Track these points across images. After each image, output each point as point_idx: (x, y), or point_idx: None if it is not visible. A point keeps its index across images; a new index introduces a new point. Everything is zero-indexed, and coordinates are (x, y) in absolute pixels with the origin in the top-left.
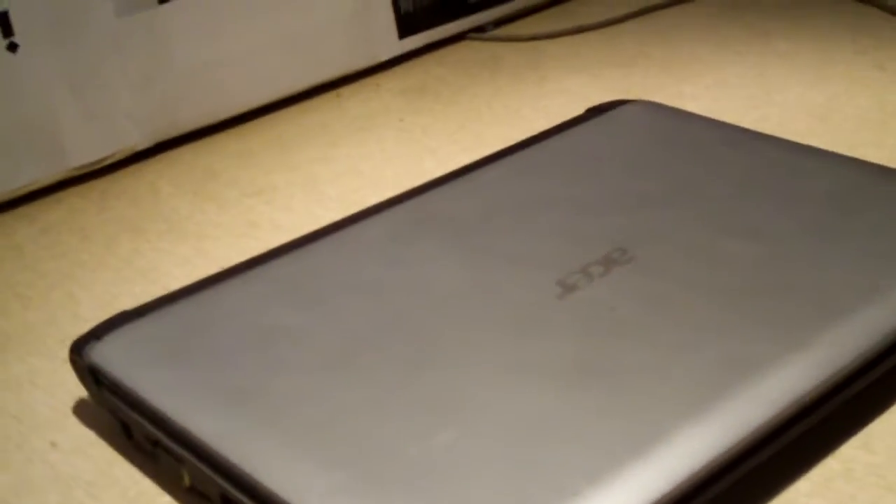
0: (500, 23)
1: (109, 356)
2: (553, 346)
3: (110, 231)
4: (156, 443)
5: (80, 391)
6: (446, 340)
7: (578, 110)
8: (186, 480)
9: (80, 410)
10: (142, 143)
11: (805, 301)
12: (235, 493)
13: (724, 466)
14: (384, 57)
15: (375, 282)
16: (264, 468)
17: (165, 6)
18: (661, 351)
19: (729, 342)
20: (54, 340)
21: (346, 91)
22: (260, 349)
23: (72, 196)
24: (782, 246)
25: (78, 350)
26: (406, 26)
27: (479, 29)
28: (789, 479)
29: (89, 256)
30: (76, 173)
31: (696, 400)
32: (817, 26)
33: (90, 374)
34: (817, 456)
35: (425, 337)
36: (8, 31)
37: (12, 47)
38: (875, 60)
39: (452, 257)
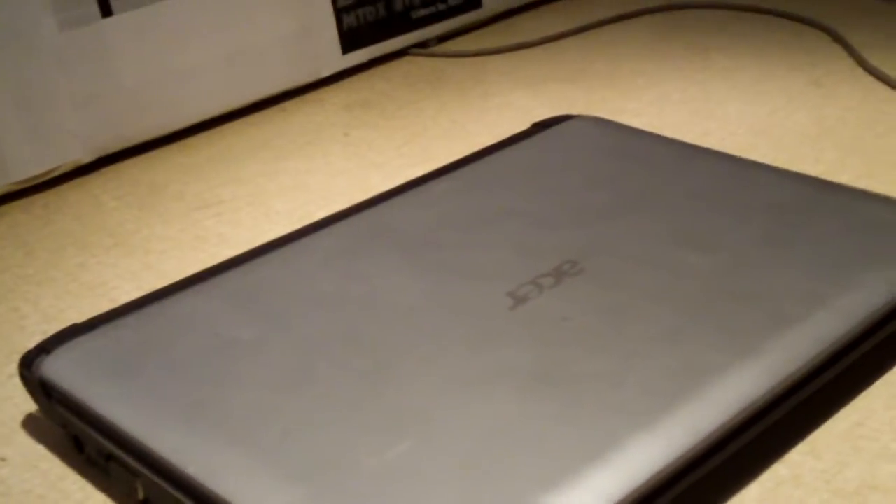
0: (442, 39)
1: (60, 370)
2: (506, 357)
3: (55, 245)
4: (108, 456)
5: (29, 406)
6: (400, 353)
7: (523, 125)
8: (140, 494)
9: (30, 425)
10: (85, 157)
11: (754, 309)
12: None
13: (678, 472)
14: (328, 72)
15: (328, 294)
16: (221, 480)
17: (109, 20)
18: (613, 359)
19: (680, 350)
20: (1, 355)
21: (290, 106)
22: (214, 362)
23: (14, 210)
24: (730, 257)
25: (27, 364)
26: (349, 42)
27: (422, 45)
28: (740, 485)
29: (34, 271)
30: (18, 187)
31: (650, 407)
32: (756, 43)
33: (40, 388)
34: (766, 462)
35: (379, 349)
36: None
37: None
38: (811, 77)
39: (404, 270)
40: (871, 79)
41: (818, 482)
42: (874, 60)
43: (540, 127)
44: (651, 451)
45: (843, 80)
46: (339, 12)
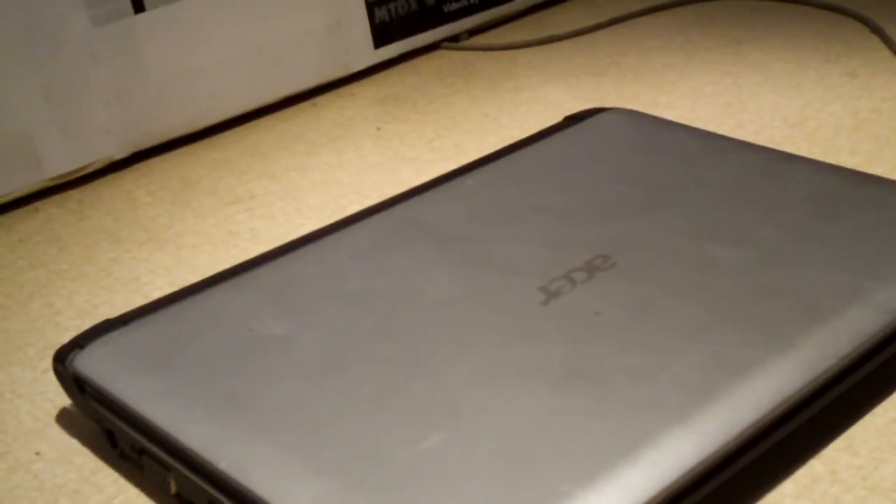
0: (473, 32)
1: (93, 365)
2: (538, 351)
3: (88, 241)
4: (141, 450)
5: (63, 400)
6: (432, 347)
7: (554, 118)
8: (173, 488)
9: (64, 420)
10: (118, 153)
11: (788, 304)
12: (223, 500)
13: (711, 469)
14: (359, 66)
15: (360, 289)
16: (253, 475)
17: (141, 16)
18: (646, 354)
19: (714, 345)
20: (35, 350)
21: (322, 100)
22: (246, 356)
23: (49, 206)
24: (765, 251)
25: (61, 359)
26: (381, 36)
27: (454, 38)
28: (775, 481)
29: (68, 266)
30: (52, 183)
31: (683, 403)
32: (788, 34)
33: (74, 383)
34: (802, 458)
35: (411, 343)
36: None
37: None
38: (846, 68)
39: (436, 264)
40: None
41: (855, 478)
42: None
43: (572, 120)
44: (684, 448)
45: (879, 71)
46: (370, 6)
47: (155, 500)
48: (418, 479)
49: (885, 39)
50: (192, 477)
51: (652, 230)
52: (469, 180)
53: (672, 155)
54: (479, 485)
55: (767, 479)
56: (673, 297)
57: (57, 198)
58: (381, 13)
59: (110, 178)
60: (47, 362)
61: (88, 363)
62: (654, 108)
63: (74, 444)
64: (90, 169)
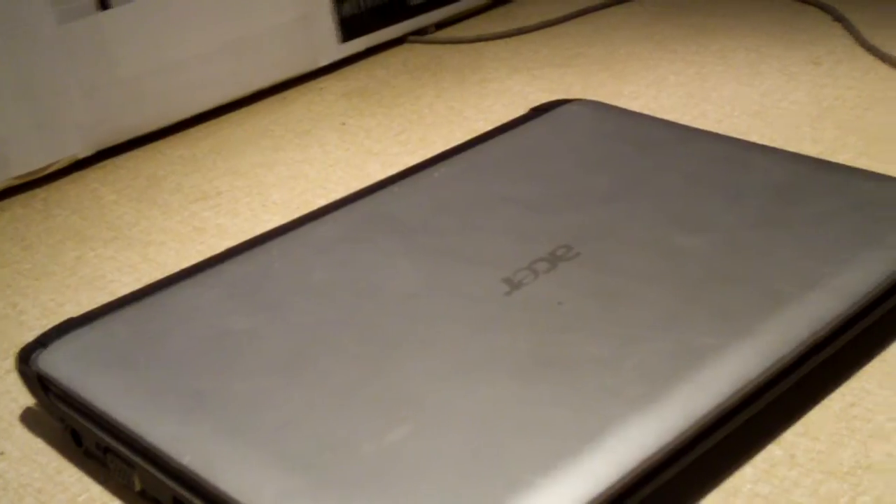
0: (440, 25)
1: (57, 363)
2: (502, 341)
3: (53, 239)
4: (106, 449)
5: (27, 400)
6: (398, 339)
7: (521, 110)
8: (137, 485)
9: (28, 419)
10: (85, 151)
11: (750, 291)
12: (188, 497)
13: (672, 454)
14: (326, 61)
15: (326, 283)
16: (217, 470)
17: (107, 13)
18: (608, 343)
19: (675, 333)
20: None
21: (288, 95)
22: (211, 353)
23: (13, 205)
24: (728, 238)
25: (25, 358)
26: (347, 30)
27: (420, 32)
28: (735, 466)
29: (32, 265)
30: (17, 182)
31: (645, 390)
32: (751, 23)
33: (38, 382)
34: (761, 443)
35: (377, 337)
36: None
37: None
38: (810, 56)
39: (402, 257)
40: (871, 57)
41: (812, 462)
42: (874, 39)
43: (537, 112)
44: (646, 434)
45: (843, 59)
46: (337, 0)
47: (120, 498)
48: (384, 472)
49: (849, 27)
50: (157, 474)
51: (615, 220)
52: (435, 173)
53: (636, 145)
54: (444, 476)
55: (727, 464)
56: (636, 285)
57: (22, 197)
58: (347, 7)
59: (76, 176)
60: (11, 362)
61: (52, 362)
62: (619, 99)
63: (39, 443)
64: (56, 167)
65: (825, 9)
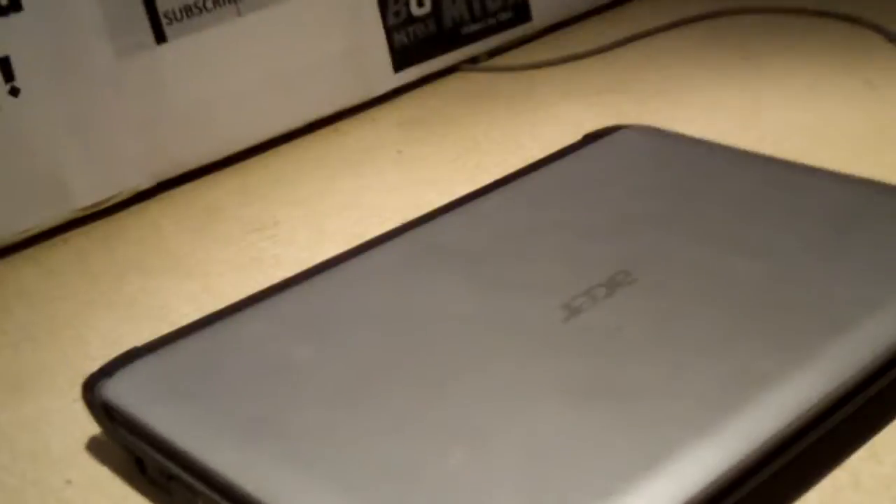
0: (492, 53)
1: (122, 392)
2: (561, 368)
3: (116, 271)
4: (170, 476)
5: (93, 428)
6: (456, 367)
7: (574, 137)
8: None
9: (94, 447)
10: (144, 183)
11: (809, 316)
12: None
13: (734, 480)
14: (380, 91)
15: (384, 311)
16: (281, 497)
17: (164, 46)
18: (668, 369)
19: (735, 358)
20: (65, 379)
21: (343, 125)
22: (273, 381)
23: (77, 237)
24: (785, 263)
25: (90, 387)
26: (401, 59)
27: (473, 60)
28: (799, 492)
29: (97, 296)
30: (80, 214)
31: (705, 415)
32: (805, 46)
33: (103, 411)
34: (826, 468)
35: (435, 364)
36: (9, 76)
37: (14, 92)
38: (864, 78)
39: (458, 285)
40: None
41: (879, 487)
42: None
43: (591, 138)
44: (707, 460)
45: None
46: (389, 30)
47: None
48: (446, 497)
49: None
50: (221, 501)
51: (672, 245)
52: (490, 200)
53: (691, 169)
54: (504, 501)
55: (791, 490)
56: (694, 311)
57: (85, 229)
58: (400, 37)
59: (135, 208)
60: (77, 391)
61: (117, 391)
62: (674, 124)
63: (104, 471)
64: (117, 199)
65: (880, 31)
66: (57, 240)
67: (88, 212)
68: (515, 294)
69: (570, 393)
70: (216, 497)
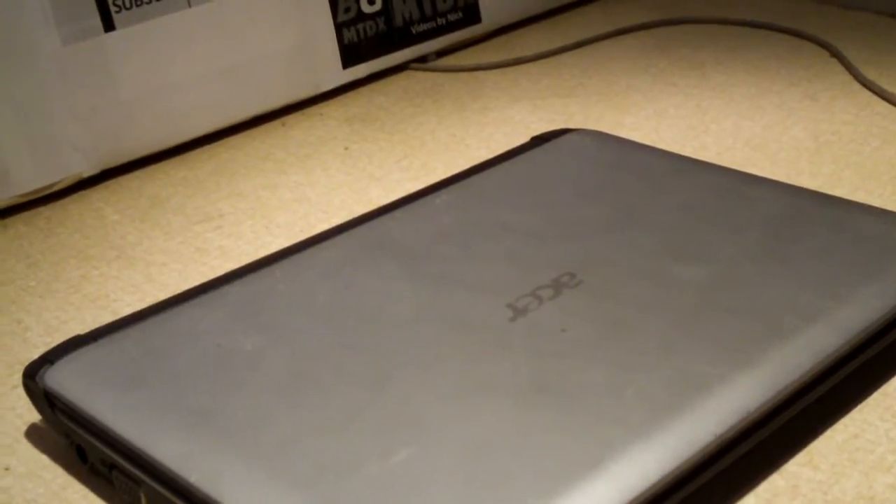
0: (441, 53)
1: (63, 380)
2: (505, 367)
3: (57, 257)
4: (112, 465)
5: (33, 416)
6: (401, 363)
7: (521, 139)
8: (144, 502)
9: (33, 435)
10: (88, 170)
11: (751, 322)
12: None
13: (674, 483)
14: (328, 86)
15: (329, 306)
16: (223, 488)
17: (111, 35)
18: (611, 371)
19: (677, 362)
20: (4, 366)
21: (290, 120)
22: (216, 372)
23: (17, 223)
24: (728, 269)
25: (31, 375)
26: (350, 56)
27: (422, 59)
28: (737, 496)
29: (36, 283)
30: (21, 200)
31: (647, 418)
32: (750, 58)
33: (44, 399)
34: (764, 473)
35: (380, 360)
36: None
37: None
38: (807, 91)
39: (404, 282)
40: (867, 93)
41: (815, 493)
42: (870, 74)
43: (538, 141)
44: (648, 462)
45: (840, 95)
46: (339, 27)
47: None
48: (386, 493)
49: (845, 63)
50: (163, 491)
51: (618, 249)
52: (437, 199)
53: (637, 175)
54: (445, 499)
55: (730, 494)
56: (638, 314)
57: (25, 215)
58: (349, 34)
59: (79, 195)
60: (17, 378)
61: (58, 379)
62: (619, 130)
63: (44, 459)
64: (59, 186)
65: (823, 45)
66: None
67: (30, 198)
68: (461, 293)
69: (514, 393)
70: (158, 487)
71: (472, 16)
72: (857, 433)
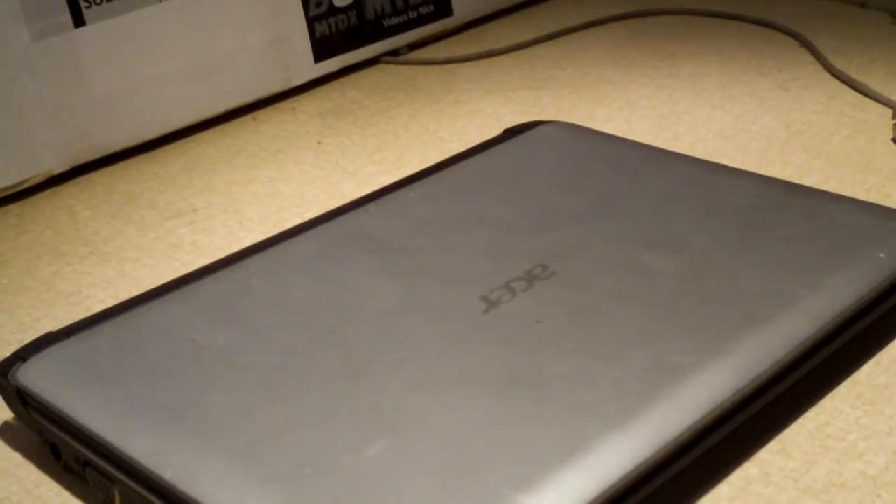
0: (413, 47)
1: (36, 377)
2: (479, 359)
3: (29, 254)
4: (85, 463)
5: (5, 413)
6: (375, 356)
7: (494, 131)
8: (118, 500)
9: (6, 433)
10: (59, 167)
11: (723, 311)
12: None
13: (648, 471)
14: (300, 80)
15: (303, 300)
16: (198, 484)
17: (82, 30)
18: (584, 361)
19: (650, 351)
20: None
21: (262, 114)
22: (190, 367)
23: None
24: (700, 259)
25: (3, 372)
26: (322, 50)
27: (394, 53)
28: (710, 484)
29: (8, 280)
30: None
31: (621, 407)
32: (721, 49)
33: (17, 396)
34: (737, 461)
35: (355, 353)
36: None
37: None
38: (778, 81)
39: (378, 275)
40: (836, 83)
41: (787, 480)
42: (839, 64)
43: (511, 133)
44: (622, 451)
45: (810, 85)
46: (311, 21)
47: None
48: (362, 486)
49: (815, 53)
50: (137, 488)
51: (590, 240)
52: (410, 192)
53: (609, 166)
54: (421, 490)
55: (703, 482)
56: (611, 304)
57: None
58: (321, 28)
59: (51, 192)
60: None
61: (31, 376)
62: (591, 121)
63: (17, 457)
64: (30, 183)
65: (792, 35)
66: None
67: (0, 195)
68: (435, 285)
69: (488, 384)
70: (132, 484)
71: (444, 8)
72: (829, 421)
